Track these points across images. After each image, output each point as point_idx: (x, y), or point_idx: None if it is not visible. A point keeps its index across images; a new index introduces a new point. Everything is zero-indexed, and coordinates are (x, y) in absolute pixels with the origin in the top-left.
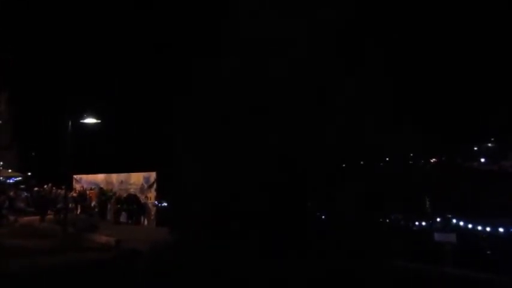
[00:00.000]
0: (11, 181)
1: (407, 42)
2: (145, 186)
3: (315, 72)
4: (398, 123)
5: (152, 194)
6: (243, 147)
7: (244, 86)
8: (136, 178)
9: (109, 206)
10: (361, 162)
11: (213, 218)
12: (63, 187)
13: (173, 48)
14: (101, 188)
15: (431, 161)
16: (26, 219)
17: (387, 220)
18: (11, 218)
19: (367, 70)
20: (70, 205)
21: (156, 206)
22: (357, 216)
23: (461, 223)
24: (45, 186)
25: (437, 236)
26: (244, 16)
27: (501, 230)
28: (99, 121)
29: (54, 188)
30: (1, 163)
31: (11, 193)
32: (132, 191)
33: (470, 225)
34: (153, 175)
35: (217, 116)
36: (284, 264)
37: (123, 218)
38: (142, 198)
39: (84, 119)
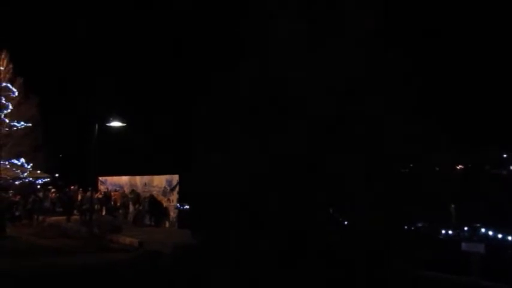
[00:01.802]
0: (40, 182)
1: (432, 48)
2: (168, 188)
3: (337, 76)
4: (425, 129)
5: (174, 196)
6: (267, 149)
7: (268, 89)
8: (159, 181)
9: (131, 207)
10: (387, 169)
11: (236, 222)
12: (89, 188)
13: (197, 52)
14: (133, 190)
15: (458, 167)
16: (53, 219)
17: (413, 228)
18: (39, 217)
19: (393, 74)
20: (95, 206)
21: (178, 208)
22: (382, 224)
23: (490, 233)
24: (72, 187)
25: (464, 246)
26: (267, 18)
27: None
28: (124, 124)
29: (80, 189)
30: (31, 164)
31: (40, 193)
32: (154, 193)
33: (499, 235)
34: (175, 178)
35: (241, 117)
36: (307, 271)
37: (145, 220)
38: (164, 200)
39: (110, 122)
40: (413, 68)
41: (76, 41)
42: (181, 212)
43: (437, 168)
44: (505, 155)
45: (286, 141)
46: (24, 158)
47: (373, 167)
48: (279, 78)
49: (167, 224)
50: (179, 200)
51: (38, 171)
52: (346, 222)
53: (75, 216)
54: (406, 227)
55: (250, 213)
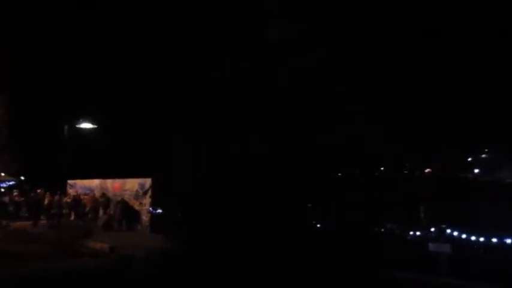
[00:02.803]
0: (4, 185)
1: (405, 58)
2: (141, 192)
3: (317, 82)
4: (394, 134)
5: (147, 200)
6: (243, 155)
7: (245, 94)
8: (132, 184)
9: (101, 212)
10: (357, 172)
11: (210, 226)
12: (57, 192)
13: (174, 55)
14: (103, 194)
15: (426, 171)
16: (18, 224)
17: (382, 230)
18: (3, 222)
19: (368, 83)
20: (64, 210)
21: (151, 212)
22: (353, 226)
23: (456, 233)
24: (38, 191)
25: (431, 246)
26: (250, 23)
27: (494, 240)
28: (95, 126)
29: (47, 192)
30: None
31: (5, 197)
32: (126, 197)
33: (464, 236)
34: (148, 181)
35: (217, 123)
36: (280, 273)
37: (117, 224)
38: (136, 204)
39: (80, 123)
40: (388, 77)
41: (46, 39)
42: (154, 216)
43: (406, 172)
44: (469, 159)
45: (264, 143)
46: None
47: (344, 170)
48: (258, 82)
49: (139, 228)
50: (152, 204)
51: (2, 174)
52: (318, 225)
53: (43, 221)
54: (376, 228)
55: (227, 216)
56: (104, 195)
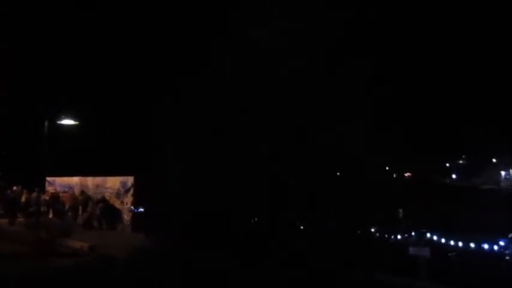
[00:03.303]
0: None
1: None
2: (122, 191)
3: (300, 86)
4: (376, 139)
5: (129, 199)
6: (226, 157)
7: (230, 95)
8: (113, 182)
9: (80, 210)
10: (338, 174)
11: (192, 226)
12: (35, 189)
13: (159, 52)
14: (82, 191)
15: (406, 175)
16: None
17: (364, 233)
18: None
19: (351, 88)
20: (42, 208)
21: (133, 211)
22: (335, 228)
23: (435, 237)
24: (15, 188)
25: (411, 250)
26: (236, 24)
27: (472, 245)
28: (77, 123)
29: (25, 190)
30: None
31: None
32: (107, 195)
33: (443, 240)
34: (130, 180)
35: (202, 125)
36: (259, 274)
37: (97, 223)
38: (118, 203)
39: (61, 120)
40: (371, 80)
41: (28, 34)
42: (135, 215)
43: (387, 176)
44: (447, 165)
45: (249, 147)
46: None
47: (328, 174)
48: (243, 86)
49: (120, 227)
50: (134, 203)
51: None
52: (302, 227)
53: (20, 219)
54: (358, 231)
55: (205, 219)
56: (83, 193)
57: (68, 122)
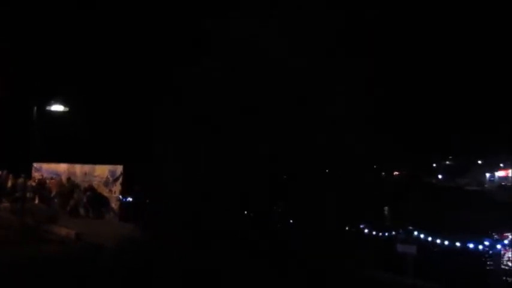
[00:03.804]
0: None
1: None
2: (111, 179)
3: (299, 80)
4: (366, 134)
5: (117, 188)
6: (221, 150)
7: (227, 89)
8: (102, 170)
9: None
10: (329, 172)
11: (185, 218)
12: (22, 175)
13: (156, 43)
14: (68, 178)
15: (395, 173)
16: None
17: (353, 229)
18: None
19: (342, 84)
20: (28, 194)
21: (121, 200)
22: (326, 224)
23: (422, 235)
24: (0, 173)
25: (399, 247)
26: (232, 20)
27: (458, 244)
28: (67, 109)
29: (11, 175)
30: None
31: None
32: (95, 183)
33: (429, 238)
34: (119, 168)
35: (198, 117)
36: (250, 268)
37: (84, 211)
38: (106, 191)
39: (51, 105)
40: (361, 78)
41: (20, 20)
42: (123, 204)
43: (376, 174)
44: (434, 165)
45: (244, 142)
46: None
47: (319, 170)
48: (239, 81)
49: (107, 216)
50: (122, 192)
51: None
52: (291, 221)
53: (5, 204)
54: (347, 227)
55: (197, 211)
56: (69, 180)
57: (57, 108)
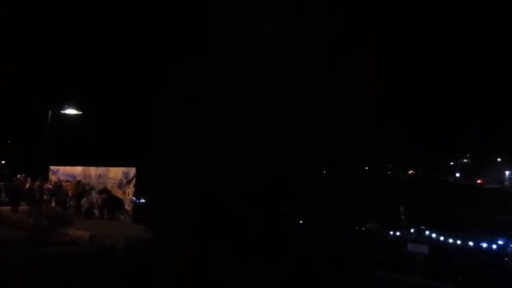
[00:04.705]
0: None
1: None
2: (124, 181)
3: (300, 77)
4: (380, 132)
5: (131, 189)
6: (226, 149)
7: (230, 88)
8: (115, 173)
9: (83, 199)
10: (342, 171)
11: (191, 219)
12: (38, 178)
13: (159, 44)
14: (78, 181)
15: (409, 172)
16: None
17: (363, 228)
18: None
19: (354, 80)
20: (45, 197)
21: (134, 202)
22: (334, 223)
23: (434, 235)
24: (19, 176)
25: (410, 247)
26: (231, 19)
27: (471, 243)
28: (80, 113)
29: (28, 178)
30: None
31: None
32: (110, 185)
33: (442, 237)
34: (132, 170)
35: (201, 115)
36: (258, 269)
37: (98, 213)
38: (120, 193)
39: (65, 109)
40: (376, 74)
41: (31, 23)
42: (137, 206)
43: (389, 172)
44: (452, 163)
45: (246, 140)
46: None
47: (331, 168)
48: (239, 78)
49: (122, 218)
50: (135, 194)
51: None
52: (301, 221)
53: (22, 207)
54: (357, 227)
55: (204, 212)
56: (79, 182)
57: (71, 111)
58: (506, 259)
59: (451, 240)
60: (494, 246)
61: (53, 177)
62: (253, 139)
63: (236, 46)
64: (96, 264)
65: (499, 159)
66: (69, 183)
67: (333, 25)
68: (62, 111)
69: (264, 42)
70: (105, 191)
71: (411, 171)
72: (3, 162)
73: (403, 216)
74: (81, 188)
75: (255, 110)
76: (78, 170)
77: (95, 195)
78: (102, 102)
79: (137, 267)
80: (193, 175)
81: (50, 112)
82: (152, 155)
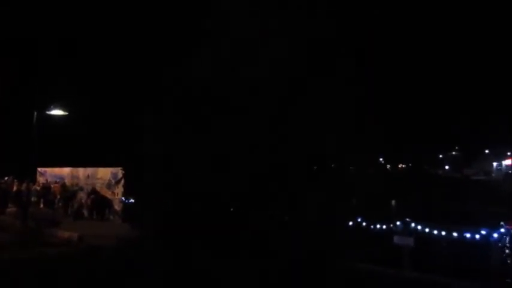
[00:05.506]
0: None
1: (378, 57)
2: (113, 182)
3: (286, 76)
4: (367, 128)
5: (119, 190)
6: (211, 149)
7: (214, 89)
8: (104, 173)
9: (72, 201)
10: (332, 166)
11: (174, 218)
12: (26, 180)
13: (147, 44)
14: (63, 184)
15: (399, 166)
16: None
17: (350, 223)
18: None
19: (339, 78)
20: (33, 199)
21: (123, 202)
22: (319, 218)
23: (419, 227)
24: (6, 178)
25: (396, 239)
26: (220, 19)
27: (455, 234)
28: (66, 113)
29: (15, 180)
30: None
31: None
32: (98, 186)
33: (427, 229)
34: (121, 171)
35: (186, 117)
36: (241, 264)
37: (87, 213)
38: (109, 194)
39: (50, 110)
40: (357, 73)
41: (19, 21)
42: (126, 206)
43: (378, 166)
44: (441, 156)
45: (228, 138)
46: None
47: (315, 165)
48: (223, 77)
49: (111, 218)
50: (124, 194)
51: None
52: (286, 217)
53: (10, 209)
54: (343, 220)
55: (187, 210)
56: (75, 184)
57: (57, 112)
58: (491, 249)
59: (436, 232)
60: (477, 237)
61: (41, 179)
62: (241, 140)
63: (221, 47)
64: (84, 264)
65: (486, 151)
66: (57, 185)
67: (315, 25)
68: (48, 112)
69: (248, 43)
70: (93, 191)
71: (402, 165)
72: None
73: (393, 210)
74: (70, 191)
75: (244, 110)
76: (66, 171)
77: (83, 196)
78: (89, 102)
79: (124, 263)
80: (178, 176)
81: (35, 113)
82: (136, 155)
